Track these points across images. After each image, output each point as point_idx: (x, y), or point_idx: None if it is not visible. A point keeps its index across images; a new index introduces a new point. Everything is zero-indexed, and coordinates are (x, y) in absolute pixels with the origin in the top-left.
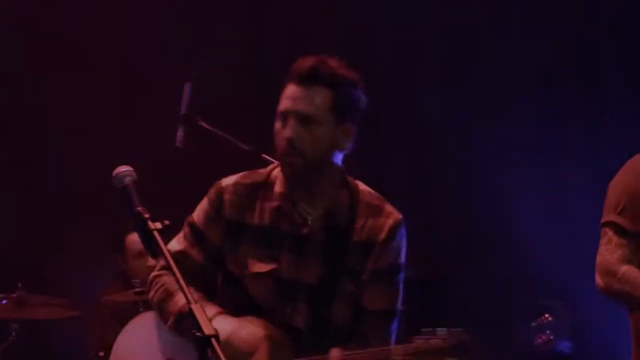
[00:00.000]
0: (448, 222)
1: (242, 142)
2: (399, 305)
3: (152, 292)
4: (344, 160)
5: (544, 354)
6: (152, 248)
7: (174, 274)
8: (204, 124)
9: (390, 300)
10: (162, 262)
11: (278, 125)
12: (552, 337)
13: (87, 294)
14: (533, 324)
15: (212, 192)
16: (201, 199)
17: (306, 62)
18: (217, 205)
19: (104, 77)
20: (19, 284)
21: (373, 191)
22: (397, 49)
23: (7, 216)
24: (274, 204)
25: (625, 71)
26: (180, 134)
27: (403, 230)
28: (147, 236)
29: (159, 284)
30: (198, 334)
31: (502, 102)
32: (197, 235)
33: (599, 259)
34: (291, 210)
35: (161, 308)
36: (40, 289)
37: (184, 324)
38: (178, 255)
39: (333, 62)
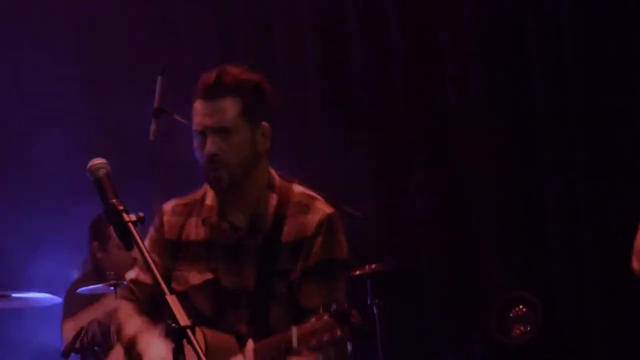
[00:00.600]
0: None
1: None
2: (340, 301)
3: (113, 324)
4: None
5: (521, 346)
6: (126, 241)
7: (153, 273)
8: (178, 117)
9: (327, 297)
10: (121, 293)
11: (197, 142)
12: (529, 329)
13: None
14: (509, 316)
15: (156, 218)
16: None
17: (209, 77)
18: (159, 228)
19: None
20: None
21: (307, 191)
22: None
23: None
24: (205, 216)
25: None
26: (153, 127)
27: (335, 225)
28: (121, 229)
29: (116, 317)
30: (173, 325)
31: None
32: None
33: (636, 243)
34: (220, 220)
35: (119, 339)
36: None
37: (132, 353)
38: (132, 283)
39: (234, 70)
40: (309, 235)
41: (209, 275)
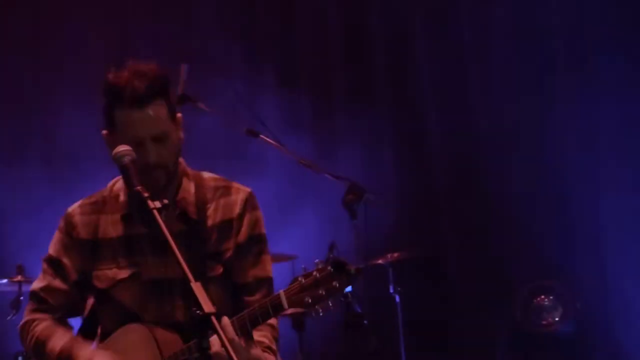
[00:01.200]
0: (447, 201)
1: (240, 124)
2: (270, 273)
3: (26, 340)
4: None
5: (548, 335)
6: (151, 227)
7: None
8: (202, 105)
9: (260, 270)
10: (30, 307)
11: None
12: (556, 319)
13: None
14: (534, 305)
15: (61, 222)
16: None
17: (133, 85)
18: (69, 231)
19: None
20: None
21: (217, 175)
22: None
23: None
24: (122, 212)
25: None
26: (178, 115)
27: (256, 202)
28: (145, 215)
29: (31, 332)
30: (198, 312)
31: None
32: (56, 267)
33: None
34: (140, 213)
35: (37, 355)
36: None
37: None
38: (43, 292)
39: (146, 68)
40: (236, 214)
41: (135, 269)
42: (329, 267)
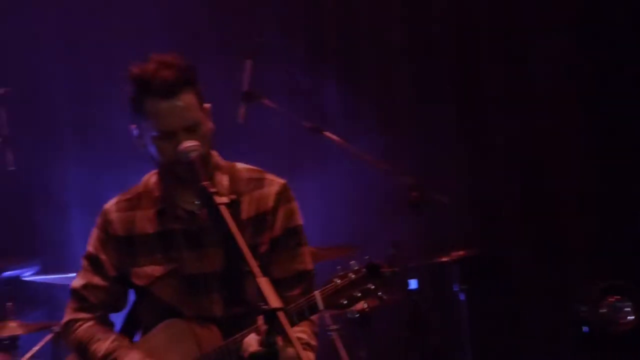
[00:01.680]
0: (513, 198)
1: (304, 120)
2: (308, 266)
3: (69, 339)
4: None
5: (620, 336)
6: (218, 221)
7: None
8: (266, 101)
9: (299, 263)
10: (71, 305)
11: (160, 143)
12: (630, 319)
13: None
14: (606, 305)
15: (98, 219)
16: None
17: (162, 75)
18: (106, 227)
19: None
20: None
21: (251, 166)
22: None
23: None
24: (157, 208)
25: None
26: (242, 110)
27: (290, 194)
28: (212, 210)
29: (74, 333)
30: (265, 306)
31: None
32: (95, 264)
33: None
34: (174, 209)
35: (81, 356)
36: None
37: None
38: (83, 290)
39: (173, 59)
40: (270, 207)
41: (172, 265)
42: (364, 269)
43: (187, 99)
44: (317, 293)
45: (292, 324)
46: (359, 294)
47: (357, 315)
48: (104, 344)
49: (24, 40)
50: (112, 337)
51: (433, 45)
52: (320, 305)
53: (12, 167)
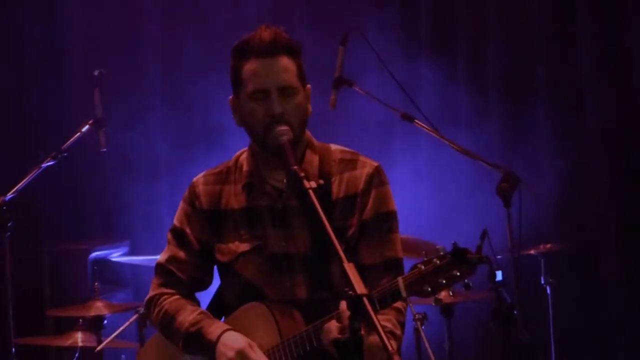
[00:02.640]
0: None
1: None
2: (399, 254)
3: (154, 313)
4: None
5: None
6: (306, 206)
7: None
8: (358, 88)
9: (390, 250)
10: (156, 281)
11: (254, 105)
12: None
13: None
14: None
15: (186, 192)
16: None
17: (261, 35)
18: (192, 200)
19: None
20: None
21: (345, 148)
22: None
23: None
24: (244, 182)
25: None
26: (332, 97)
27: (383, 177)
28: (301, 195)
29: (159, 307)
30: (350, 292)
31: None
32: (181, 238)
33: None
34: (262, 185)
35: (165, 329)
36: None
37: (192, 346)
38: (168, 263)
39: (278, 28)
40: (361, 189)
41: (257, 242)
42: (449, 255)
43: (285, 62)
44: (400, 279)
45: (375, 311)
46: (444, 281)
47: (440, 304)
48: (190, 315)
49: (118, 23)
50: (199, 310)
51: (524, 34)
52: (403, 292)
53: (104, 149)
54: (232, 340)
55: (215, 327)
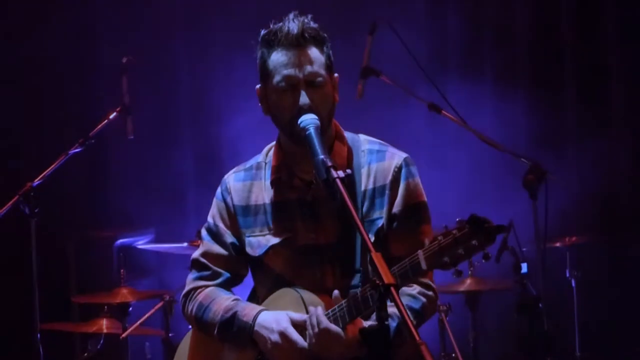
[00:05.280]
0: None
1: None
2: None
3: (188, 309)
4: None
5: None
6: (334, 195)
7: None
8: (385, 78)
9: (417, 242)
10: (192, 276)
11: (281, 95)
12: None
13: None
14: None
15: (218, 189)
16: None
17: (289, 26)
18: (224, 196)
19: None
20: None
21: (374, 138)
22: None
23: None
24: (273, 177)
25: None
26: (360, 87)
27: (412, 169)
28: (329, 184)
29: (194, 301)
30: (378, 282)
31: None
32: (214, 233)
33: None
34: (290, 178)
35: (200, 321)
36: None
37: (228, 332)
38: (203, 258)
39: (306, 20)
40: (389, 181)
41: (286, 235)
42: (467, 225)
43: (313, 53)
44: (420, 252)
45: (397, 288)
46: (462, 252)
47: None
48: (224, 303)
49: (145, 11)
50: (232, 297)
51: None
52: (424, 264)
53: (131, 136)
54: (271, 321)
55: (249, 309)
